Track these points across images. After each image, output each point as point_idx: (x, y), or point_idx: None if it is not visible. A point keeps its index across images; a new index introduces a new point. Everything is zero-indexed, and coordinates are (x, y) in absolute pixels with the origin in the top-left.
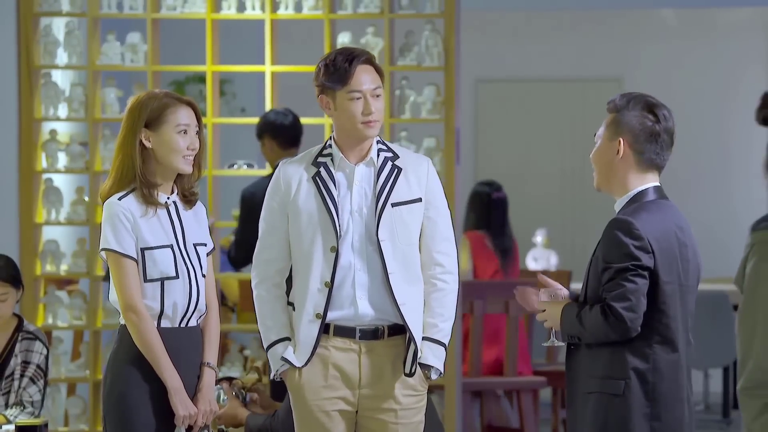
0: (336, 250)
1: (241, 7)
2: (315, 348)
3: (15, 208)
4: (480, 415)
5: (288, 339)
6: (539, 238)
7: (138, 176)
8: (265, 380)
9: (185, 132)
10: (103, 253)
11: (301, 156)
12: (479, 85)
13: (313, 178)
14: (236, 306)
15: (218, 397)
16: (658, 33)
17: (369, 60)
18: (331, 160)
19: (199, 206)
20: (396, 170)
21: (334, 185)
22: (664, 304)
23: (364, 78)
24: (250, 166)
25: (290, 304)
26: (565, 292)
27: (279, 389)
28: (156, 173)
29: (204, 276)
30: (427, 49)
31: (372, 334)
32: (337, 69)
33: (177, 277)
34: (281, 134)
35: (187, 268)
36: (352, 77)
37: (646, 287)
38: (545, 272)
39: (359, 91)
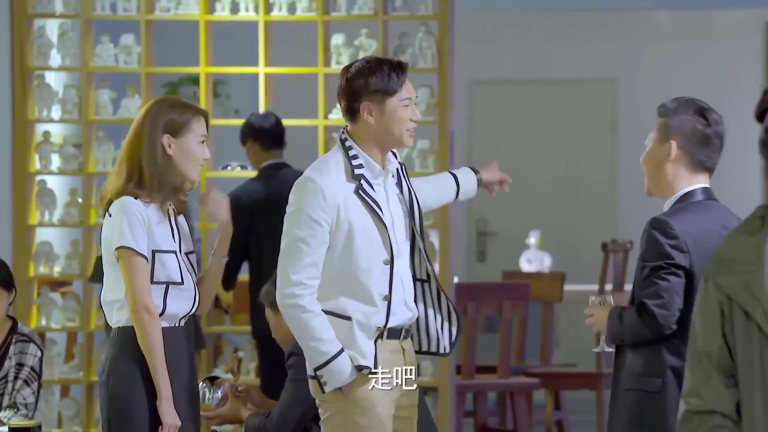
0: (390, 263)
1: (234, 9)
2: (376, 354)
3: (8, 210)
4: (474, 416)
5: (344, 350)
6: (533, 239)
7: (162, 180)
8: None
9: (204, 142)
10: (115, 251)
11: (328, 168)
12: (473, 86)
13: (356, 192)
14: (230, 308)
15: (203, 396)
16: (653, 35)
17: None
18: (365, 171)
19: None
20: (406, 173)
21: (376, 197)
22: None
23: (410, 86)
24: (243, 167)
25: (337, 316)
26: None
27: (271, 387)
28: (176, 180)
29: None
30: (420, 50)
31: (408, 332)
32: (391, 75)
33: (182, 283)
34: (262, 137)
35: (190, 274)
36: (405, 84)
37: (680, 285)
38: (539, 274)
39: (410, 98)
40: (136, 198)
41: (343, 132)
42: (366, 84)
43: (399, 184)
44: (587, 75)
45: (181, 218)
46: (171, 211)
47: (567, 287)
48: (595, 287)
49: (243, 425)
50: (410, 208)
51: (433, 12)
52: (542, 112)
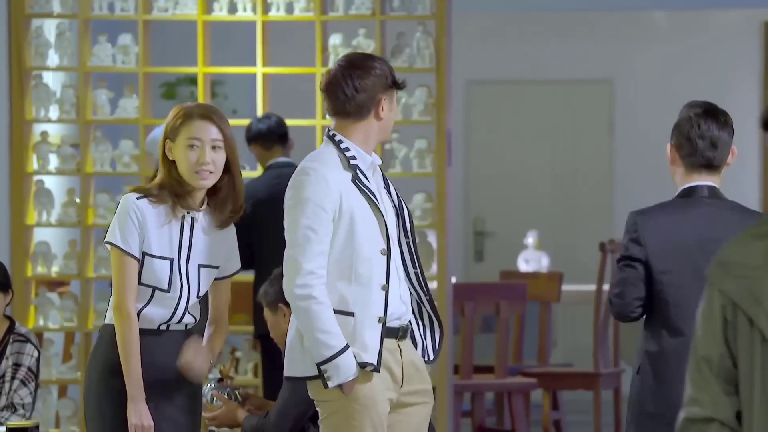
0: (387, 253)
1: (232, 9)
2: (380, 352)
3: (6, 210)
4: (471, 417)
5: (349, 346)
6: (530, 239)
7: (165, 185)
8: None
9: (196, 147)
10: (107, 246)
11: (325, 158)
12: (470, 87)
13: (353, 181)
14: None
15: (211, 399)
16: (650, 35)
17: None
18: (359, 162)
19: (229, 229)
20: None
21: (371, 187)
22: (663, 293)
23: None
24: (241, 167)
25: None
26: None
27: (273, 386)
28: (183, 184)
29: (199, 297)
30: (418, 50)
31: (405, 331)
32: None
33: (168, 291)
34: (259, 138)
35: (182, 285)
36: None
37: (636, 276)
38: (536, 274)
39: None
40: (144, 196)
41: (330, 129)
42: (387, 78)
43: (386, 185)
44: (585, 75)
45: (223, 233)
46: (189, 219)
47: (564, 287)
48: (593, 287)
49: (239, 427)
50: (399, 207)
51: (431, 12)
52: (539, 113)
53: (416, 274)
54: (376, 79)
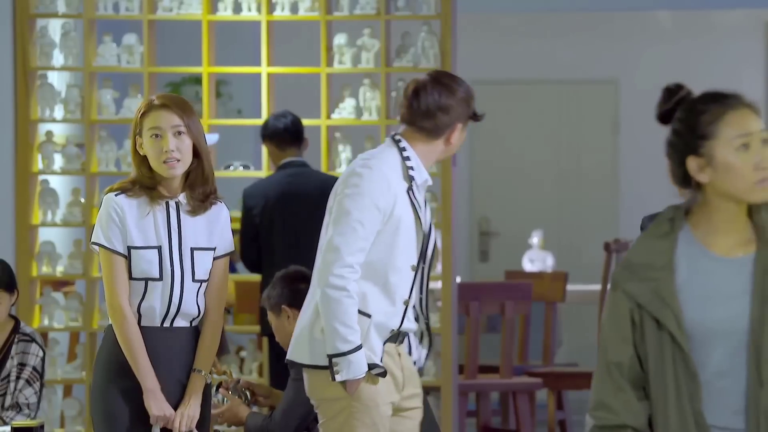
0: (415, 269)
1: (237, 9)
2: (381, 357)
3: (11, 210)
4: (477, 416)
5: (362, 346)
6: (535, 239)
7: (140, 180)
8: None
9: (158, 136)
10: (95, 247)
11: (388, 160)
12: (475, 86)
13: (407, 192)
14: (233, 307)
15: (222, 400)
16: (655, 35)
17: None
18: (415, 174)
19: (217, 210)
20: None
21: (420, 202)
22: None
23: None
24: (246, 167)
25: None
26: None
27: (279, 387)
28: (153, 177)
29: (198, 281)
30: (423, 50)
31: (404, 336)
32: None
33: (160, 279)
34: (275, 137)
35: (173, 271)
36: None
37: None
38: (541, 273)
39: None
40: (121, 192)
41: (396, 134)
42: (468, 106)
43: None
44: (589, 75)
45: (208, 215)
46: (173, 204)
47: (569, 287)
48: (598, 287)
49: (243, 425)
50: (428, 232)
51: (436, 12)
52: (545, 112)
53: (420, 299)
54: (458, 104)
